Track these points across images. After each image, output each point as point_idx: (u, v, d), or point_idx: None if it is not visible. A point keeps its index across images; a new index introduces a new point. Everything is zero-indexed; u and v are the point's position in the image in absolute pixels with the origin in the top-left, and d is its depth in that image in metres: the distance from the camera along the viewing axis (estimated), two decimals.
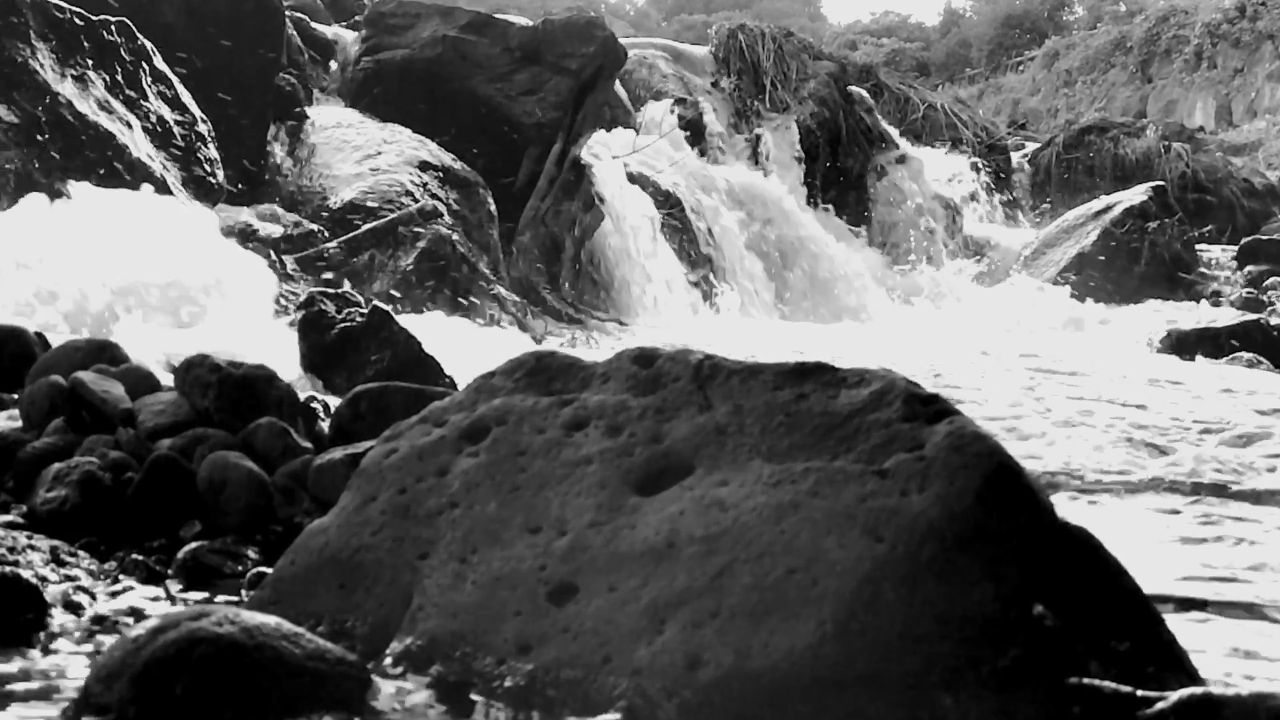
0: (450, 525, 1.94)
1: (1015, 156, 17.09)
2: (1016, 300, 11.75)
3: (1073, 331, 10.12)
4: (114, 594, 2.21)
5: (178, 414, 2.78)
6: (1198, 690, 1.61)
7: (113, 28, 6.86)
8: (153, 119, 6.88)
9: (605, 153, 10.40)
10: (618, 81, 11.35)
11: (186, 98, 7.22)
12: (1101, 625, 1.70)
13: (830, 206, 12.95)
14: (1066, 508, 3.53)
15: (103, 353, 3.15)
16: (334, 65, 9.77)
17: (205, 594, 2.27)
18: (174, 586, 2.30)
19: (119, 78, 6.79)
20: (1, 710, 1.65)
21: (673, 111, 12.13)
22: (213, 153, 7.23)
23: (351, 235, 7.53)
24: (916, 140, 15.18)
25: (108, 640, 1.90)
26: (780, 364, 1.95)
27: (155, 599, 2.22)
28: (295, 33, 9.34)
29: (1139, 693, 1.62)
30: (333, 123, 8.72)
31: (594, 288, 9.64)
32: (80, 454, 2.63)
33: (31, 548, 2.31)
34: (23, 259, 5.13)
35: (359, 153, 8.34)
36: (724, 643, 1.68)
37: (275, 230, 7.36)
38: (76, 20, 6.68)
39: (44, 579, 2.17)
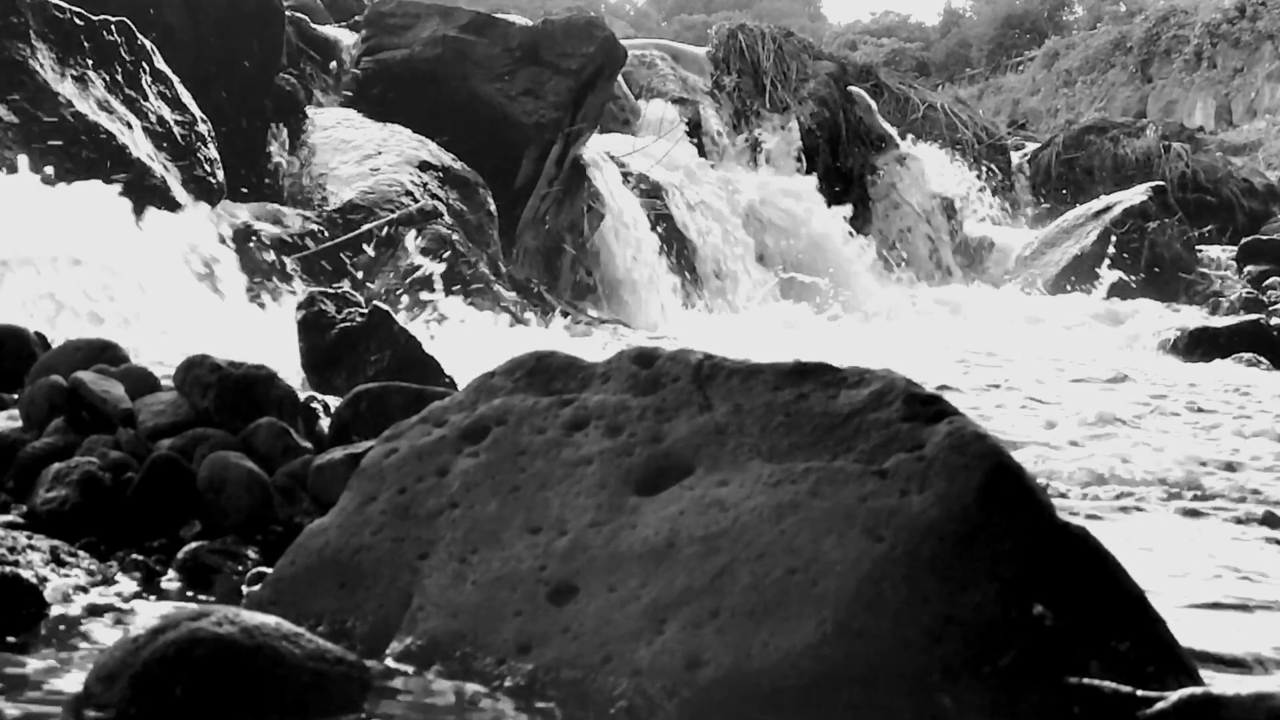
0: (450, 525, 1.94)
1: (1015, 156, 17.09)
2: (1015, 301, 11.76)
3: (1071, 332, 10.11)
4: (114, 594, 2.21)
5: (178, 414, 2.78)
6: (1198, 690, 1.61)
7: (113, 28, 6.85)
8: (153, 119, 6.87)
9: (605, 152, 10.40)
10: (621, 81, 11.35)
11: (186, 98, 7.22)
12: (1101, 625, 1.70)
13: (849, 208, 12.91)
14: (1067, 510, 3.53)
15: (103, 353, 3.15)
16: (334, 65, 9.77)
17: (205, 594, 2.27)
18: (174, 586, 2.30)
19: (119, 78, 6.79)
20: (2, 710, 1.65)
21: (682, 122, 12.12)
22: (213, 153, 7.22)
23: (351, 235, 7.54)
24: (916, 140, 15.17)
25: (108, 640, 1.90)
26: (780, 364, 1.95)
27: (155, 599, 2.22)
28: (295, 33, 9.34)
29: (1139, 693, 1.62)
30: (333, 123, 8.72)
31: (594, 287, 9.64)
32: (80, 454, 2.63)
33: (31, 548, 2.31)
34: None
35: (359, 153, 8.34)
36: (724, 643, 1.68)
37: (275, 230, 7.36)
38: (76, 20, 6.68)
39: (44, 579, 2.17)
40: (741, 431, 1.89)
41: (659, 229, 10.25)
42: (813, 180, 12.50)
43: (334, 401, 3.13)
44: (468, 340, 5.97)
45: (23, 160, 5.72)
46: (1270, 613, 2.59)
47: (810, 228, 11.79)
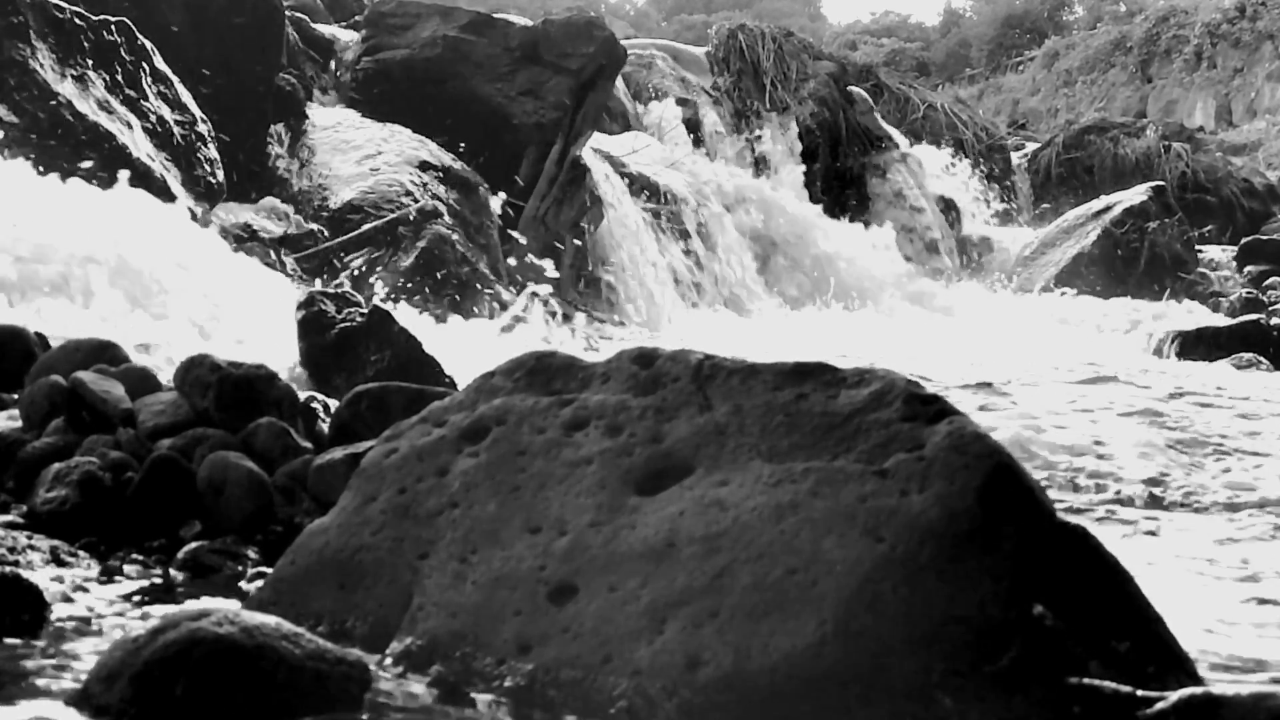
0: (450, 525, 1.94)
1: (1015, 156, 17.08)
2: (1015, 301, 11.76)
3: (1072, 332, 10.11)
4: (114, 594, 2.21)
5: (178, 414, 2.78)
6: (1198, 690, 1.61)
7: (113, 28, 6.86)
8: (153, 119, 6.87)
9: (605, 152, 10.41)
10: (620, 81, 11.35)
11: (186, 98, 7.22)
12: (1101, 625, 1.70)
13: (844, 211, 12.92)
14: (1067, 510, 3.53)
15: (103, 353, 3.15)
16: (334, 65, 9.77)
17: (205, 594, 2.27)
18: (174, 587, 2.30)
19: (119, 78, 6.79)
20: (2, 710, 1.65)
21: (681, 118, 12.13)
22: (213, 153, 7.22)
23: (351, 235, 7.53)
24: (916, 140, 15.17)
25: (108, 640, 1.90)
26: (780, 364, 1.95)
27: (155, 599, 2.22)
28: (295, 33, 9.34)
29: (1139, 693, 1.62)
30: (333, 123, 8.72)
31: (594, 288, 9.64)
32: (80, 454, 2.63)
33: (31, 548, 2.31)
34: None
35: (359, 153, 8.34)
36: (724, 643, 1.68)
37: (275, 230, 7.37)
38: (76, 20, 6.68)
39: (44, 579, 2.17)
40: (741, 431, 1.89)
41: (658, 228, 10.25)
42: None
43: (334, 401, 3.13)
44: (467, 340, 5.97)
45: None
46: (1271, 613, 2.59)
47: (814, 230, 11.80)
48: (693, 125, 12.43)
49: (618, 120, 11.81)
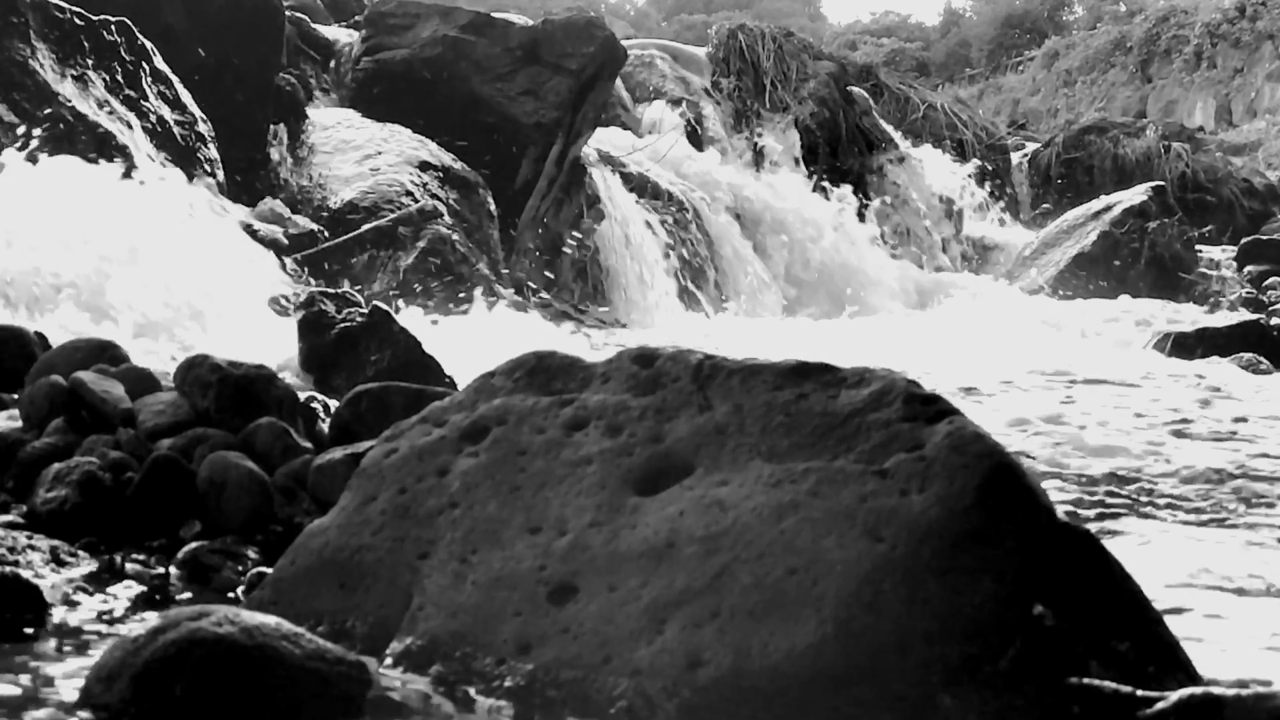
0: (450, 525, 1.94)
1: (1015, 157, 17.07)
2: (1014, 302, 11.74)
3: (1072, 333, 10.11)
4: (114, 594, 2.21)
5: (178, 414, 2.78)
6: (1198, 690, 1.61)
7: (113, 28, 6.86)
8: (153, 119, 6.88)
9: (605, 152, 10.41)
10: (619, 81, 11.35)
11: (186, 98, 7.22)
12: (1101, 625, 1.70)
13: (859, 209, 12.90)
14: (1067, 510, 3.53)
15: (103, 353, 3.15)
16: (334, 65, 9.77)
17: (205, 594, 2.27)
18: (174, 587, 2.30)
19: (119, 78, 6.79)
20: (2, 710, 1.65)
21: (681, 118, 12.13)
22: (213, 153, 7.23)
23: (351, 235, 7.54)
24: (916, 140, 15.16)
25: (108, 640, 1.90)
26: (780, 363, 1.95)
27: (155, 599, 2.22)
28: (295, 33, 9.34)
29: (1139, 693, 1.62)
30: (333, 123, 8.72)
31: (594, 288, 9.64)
32: (80, 454, 2.63)
33: (31, 548, 2.31)
34: None
35: (359, 153, 8.34)
36: (724, 643, 1.68)
37: (275, 230, 7.36)
38: (76, 20, 6.68)
39: (44, 579, 2.17)
40: (741, 431, 1.89)
41: (658, 229, 10.25)
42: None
43: (334, 401, 3.13)
44: (467, 340, 5.97)
45: None
46: (1270, 613, 2.59)
47: (815, 228, 11.80)
48: (693, 126, 12.43)
49: (616, 120, 11.81)
